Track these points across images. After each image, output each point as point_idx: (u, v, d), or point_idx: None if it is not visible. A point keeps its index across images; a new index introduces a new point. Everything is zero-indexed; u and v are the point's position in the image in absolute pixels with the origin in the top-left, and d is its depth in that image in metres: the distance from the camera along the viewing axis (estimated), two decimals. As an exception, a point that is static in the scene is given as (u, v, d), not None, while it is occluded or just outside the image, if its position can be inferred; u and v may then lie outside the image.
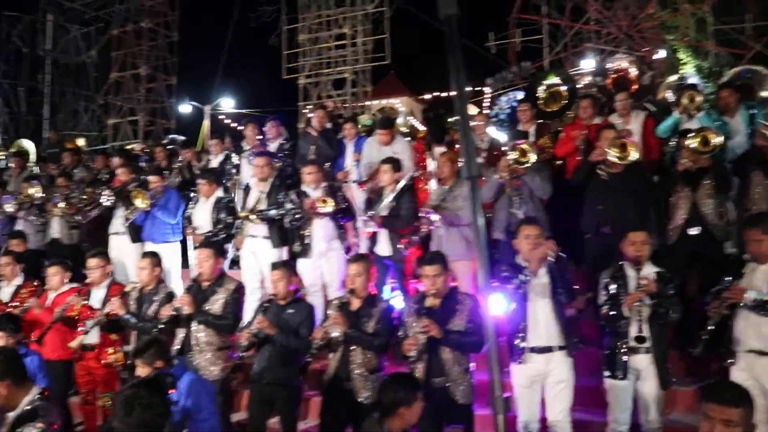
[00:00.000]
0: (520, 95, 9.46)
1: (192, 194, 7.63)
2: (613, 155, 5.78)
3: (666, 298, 4.37)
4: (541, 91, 8.09)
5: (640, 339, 4.34)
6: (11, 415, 3.48)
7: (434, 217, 6.02)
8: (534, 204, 5.99)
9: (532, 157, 5.88)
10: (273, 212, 6.58)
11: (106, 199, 7.77)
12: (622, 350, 4.45)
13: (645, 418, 4.49)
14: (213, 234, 7.01)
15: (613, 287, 4.54)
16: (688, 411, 5.13)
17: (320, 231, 6.45)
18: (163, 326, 5.25)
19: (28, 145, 11.36)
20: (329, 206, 6.34)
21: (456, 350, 4.40)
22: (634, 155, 5.77)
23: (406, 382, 3.74)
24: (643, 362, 4.43)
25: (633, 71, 8.57)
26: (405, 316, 4.61)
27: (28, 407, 3.47)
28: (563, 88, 8.16)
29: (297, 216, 6.43)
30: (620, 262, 4.69)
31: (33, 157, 11.08)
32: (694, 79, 8.53)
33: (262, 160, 6.84)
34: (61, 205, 8.01)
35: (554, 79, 8.37)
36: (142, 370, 4.34)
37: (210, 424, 4.28)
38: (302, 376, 5.00)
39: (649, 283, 4.38)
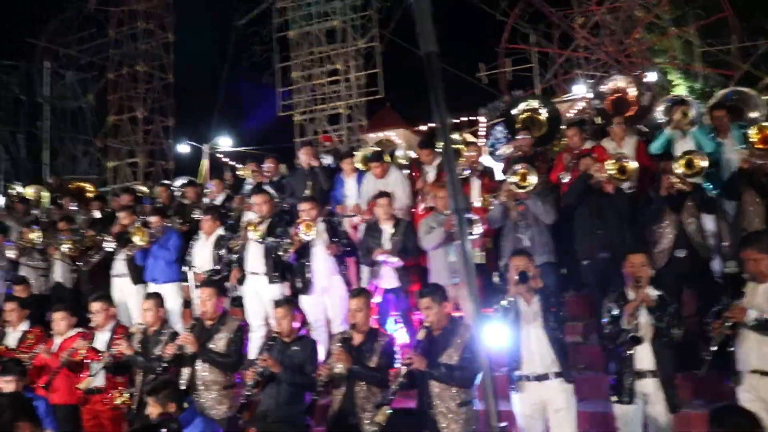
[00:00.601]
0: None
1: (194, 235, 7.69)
2: (612, 171, 5.85)
3: (667, 315, 4.38)
4: (518, 113, 8.25)
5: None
6: None
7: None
8: (539, 228, 6.02)
9: (532, 180, 5.93)
10: (270, 239, 6.59)
11: (107, 245, 7.83)
12: (627, 375, 4.45)
13: None
14: (214, 272, 7.06)
15: (615, 311, 4.53)
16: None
17: (321, 266, 6.46)
18: (166, 365, 5.29)
19: (36, 191, 11.51)
20: (311, 232, 6.29)
21: (444, 383, 4.40)
22: (629, 181, 5.87)
23: (407, 418, 3.75)
24: (650, 387, 4.43)
25: (632, 91, 8.54)
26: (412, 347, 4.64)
27: None
28: (542, 112, 8.31)
29: (286, 243, 6.43)
30: (621, 288, 4.69)
31: (47, 201, 11.24)
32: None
33: (260, 198, 6.90)
34: (64, 248, 8.06)
35: (529, 103, 8.53)
36: (152, 410, 4.37)
37: None
38: (310, 414, 5.00)
39: (647, 296, 4.40)
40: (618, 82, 8.70)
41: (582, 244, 6.05)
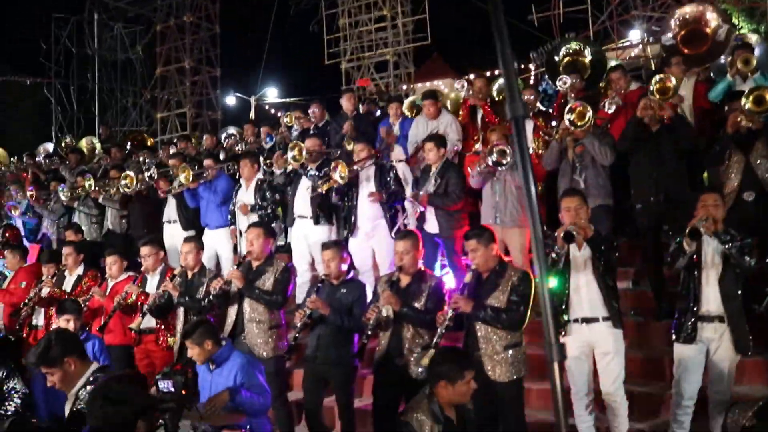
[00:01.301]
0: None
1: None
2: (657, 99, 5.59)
3: (738, 241, 4.20)
4: (560, 58, 7.93)
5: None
6: (76, 386, 3.63)
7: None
8: (596, 170, 5.87)
9: (589, 118, 5.73)
10: (311, 173, 6.61)
11: (149, 173, 7.95)
12: (690, 316, 4.34)
13: (714, 388, 4.37)
14: (259, 207, 7.14)
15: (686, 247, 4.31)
16: (757, 382, 4.99)
17: (366, 209, 6.42)
18: (212, 300, 5.36)
19: (88, 142, 11.80)
20: (345, 173, 6.23)
21: (491, 326, 4.36)
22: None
23: (452, 357, 3.74)
24: (716, 331, 4.31)
25: (711, 20, 7.62)
26: (459, 291, 4.57)
27: (91, 378, 3.64)
28: (586, 55, 7.96)
29: (319, 180, 6.43)
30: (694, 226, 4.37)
31: (99, 150, 11.51)
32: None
33: (312, 142, 6.87)
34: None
35: (571, 46, 8.16)
36: (192, 352, 4.45)
37: (262, 401, 4.34)
38: (358, 357, 5.01)
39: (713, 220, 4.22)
40: (697, 6, 7.94)
41: (637, 187, 5.84)
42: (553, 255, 4.42)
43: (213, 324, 4.74)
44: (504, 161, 5.83)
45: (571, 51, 8.40)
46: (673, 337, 4.46)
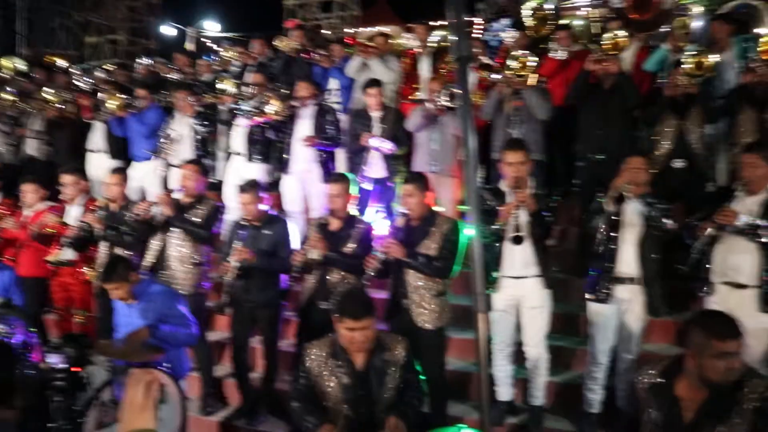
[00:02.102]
0: (508, 22, 9.21)
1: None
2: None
3: (660, 205, 4.27)
4: (527, 17, 7.82)
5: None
6: None
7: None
8: (531, 125, 5.86)
9: (532, 67, 5.71)
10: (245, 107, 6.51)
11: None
12: (605, 276, 4.41)
13: (623, 347, 4.49)
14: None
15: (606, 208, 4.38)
16: (664, 341, 5.20)
17: (300, 152, 6.30)
18: (134, 232, 5.21)
19: (10, 62, 11.03)
20: (276, 107, 6.22)
21: (421, 273, 4.35)
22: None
23: (353, 299, 3.49)
24: (629, 292, 4.39)
25: None
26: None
27: None
28: (548, 7, 7.88)
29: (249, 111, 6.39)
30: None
31: (23, 67, 10.78)
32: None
33: (259, 77, 6.79)
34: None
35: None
36: (117, 292, 4.30)
37: (186, 332, 4.26)
38: (284, 300, 4.98)
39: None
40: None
41: (581, 144, 5.87)
42: (492, 228, 4.39)
43: (127, 259, 4.60)
44: (454, 104, 5.77)
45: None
46: (587, 295, 4.53)
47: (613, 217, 4.37)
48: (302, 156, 6.32)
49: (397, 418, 3.33)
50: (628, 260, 4.38)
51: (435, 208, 4.65)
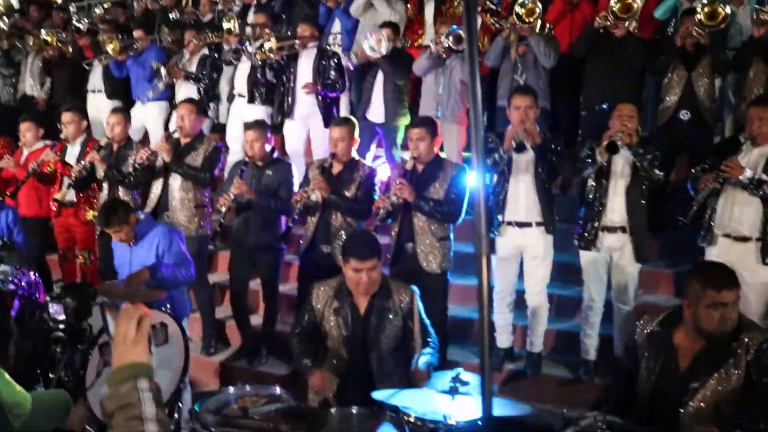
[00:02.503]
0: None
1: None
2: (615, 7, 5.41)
3: (650, 153, 4.24)
4: None
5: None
6: None
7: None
8: (537, 72, 5.75)
9: (538, 15, 5.57)
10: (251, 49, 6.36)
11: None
12: (594, 224, 4.42)
13: (617, 297, 4.53)
14: (197, 79, 6.86)
15: (599, 158, 4.34)
16: (665, 293, 5.22)
17: (303, 95, 6.19)
18: (138, 173, 5.17)
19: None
20: (271, 44, 6.07)
21: (429, 217, 4.35)
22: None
23: (360, 240, 3.51)
24: (619, 241, 4.40)
25: None
26: (391, 181, 4.52)
27: None
28: None
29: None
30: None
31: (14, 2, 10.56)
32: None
33: (261, 17, 6.64)
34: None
35: None
36: (119, 234, 4.28)
37: (185, 273, 4.27)
38: (284, 241, 4.97)
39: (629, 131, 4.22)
40: None
41: (587, 95, 5.79)
42: (495, 156, 4.39)
43: (125, 202, 4.58)
44: (459, 47, 5.66)
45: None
46: (575, 243, 4.56)
47: (603, 166, 4.36)
48: (305, 100, 6.22)
49: (422, 372, 3.27)
50: (617, 209, 4.39)
51: (441, 154, 4.62)
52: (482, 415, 1.51)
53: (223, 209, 4.79)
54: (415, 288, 3.57)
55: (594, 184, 4.45)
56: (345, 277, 3.45)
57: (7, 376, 1.40)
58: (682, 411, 2.76)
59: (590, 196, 4.46)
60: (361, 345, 3.45)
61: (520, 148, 4.31)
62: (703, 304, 2.69)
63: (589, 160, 4.41)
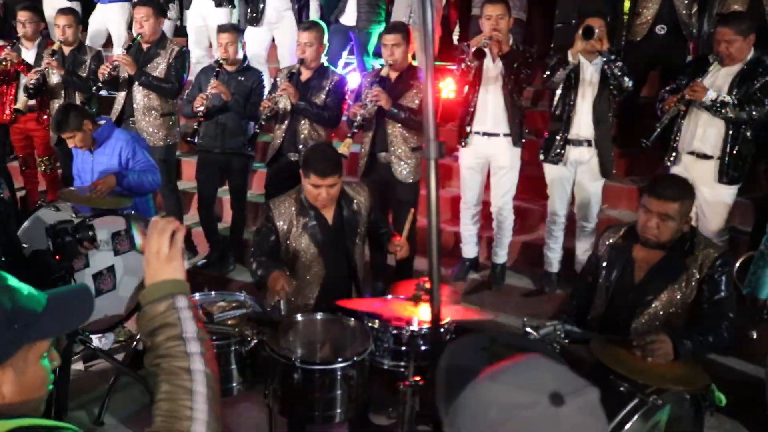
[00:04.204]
0: None
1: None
2: None
3: (619, 62, 4.20)
4: None
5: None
6: None
7: None
8: None
9: None
10: None
11: None
12: (560, 137, 4.41)
13: (582, 213, 4.58)
14: None
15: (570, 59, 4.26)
16: (625, 208, 5.30)
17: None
18: (102, 85, 5.01)
19: None
20: None
21: (404, 126, 4.32)
22: None
23: (319, 155, 3.32)
24: (585, 155, 4.42)
25: None
26: (363, 89, 4.44)
27: None
28: None
29: None
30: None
31: None
32: None
33: None
34: None
35: None
36: (74, 140, 4.14)
37: (151, 178, 4.20)
38: (251, 147, 4.91)
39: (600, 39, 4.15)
40: None
41: (561, 7, 5.64)
42: (463, 65, 4.32)
43: (79, 105, 4.42)
44: None
45: None
46: (541, 156, 4.57)
47: (573, 79, 4.32)
48: (276, 4, 5.95)
49: (401, 238, 3.32)
50: (584, 122, 4.38)
51: (414, 63, 4.54)
52: (432, 321, 1.51)
53: (201, 108, 4.64)
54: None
55: (562, 95, 4.40)
56: (303, 190, 3.32)
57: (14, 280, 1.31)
58: (633, 322, 2.85)
59: (558, 109, 4.44)
60: (337, 254, 3.39)
61: (479, 53, 4.23)
62: (641, 208, 2.81)
63: (559, 66, 4.31)
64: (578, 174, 4.49)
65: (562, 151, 4.43)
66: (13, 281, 1.30)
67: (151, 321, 1.37)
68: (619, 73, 4.19)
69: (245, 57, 4.95)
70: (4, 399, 1.25)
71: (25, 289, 1.30)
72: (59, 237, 2.92)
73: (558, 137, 4.43)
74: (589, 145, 4.40)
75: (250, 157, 5.02)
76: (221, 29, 4.83)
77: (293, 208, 3.33)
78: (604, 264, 2.99)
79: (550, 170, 4.57)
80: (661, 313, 2.82)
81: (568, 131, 4.41)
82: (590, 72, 4.32)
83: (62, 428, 1.25)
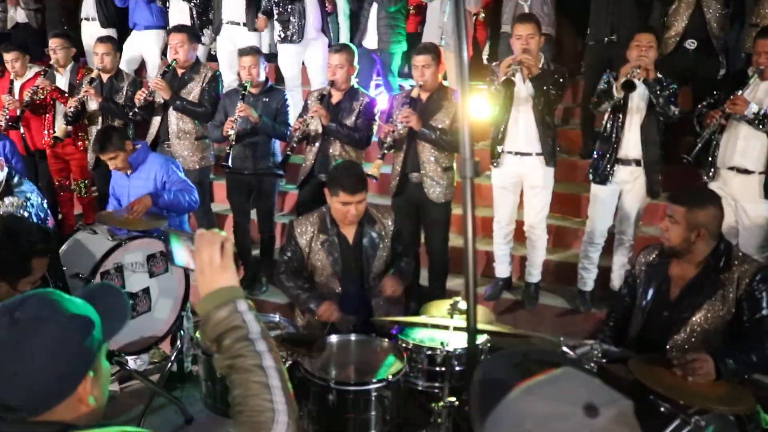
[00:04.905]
0: None
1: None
2: None
3: (667, 89, 4.15)
4: None
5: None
6: None
7: None
8: None
9: None
10: None
11: None
12: (609, 158, 4.37)
13: (620, 228, 4.53)
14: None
15: (615, 94, 4.21)
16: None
17: (311, 15, 5.95)
18: (138, 111, 5.12)
19: None
20: None
21: (434, 146, 4.32)
22: None
23: (345, 172, 3.38)
24: (632, 174, 4.36)
25: None
26: (394, 110, 4.46)
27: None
28: None
29: None
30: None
31: None
32: None
33: None
34: None
35: None
36: (115, 162, 4.25)
37: (188, 198, 4.26)
38: (282, 169, 4.95)
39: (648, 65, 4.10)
40: None
41: (593, 25, 5.60)
42: (494, 87, 4.30)
43: (119, 127, 4.52)
44: None
45: None
46: (590, 176, 4.53)
47: (621, 102, 4.28)
48: (310, 23, 5.95)
49: (392, 278, 3.39)
50: (632, 143, 4.33)
51: (444, 83, 4.54)
52: (468, 341, 1.50)
53: (231, 132, 4.69)
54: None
55: (610, 116, 4.38)
56: (328, 209, 3.41)
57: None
58: (670, 340, 2.79)
59: (606, 131, 4.41)
60: (354, 274, 3.46)
61: (507, 83, 4.17)
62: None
63: (606, 95, 4.28)
64: (624, 192, 4.44)
65: (611, 171, 4.38)
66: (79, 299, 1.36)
67: (216, 327, 1.41)
68: (664, 103, 4.13)
69: (267, 79, 4.99)
70: (98, 403, 1.32)
71: (80, 301, 1.35)
72: None
73: (607, 157, 4.39)
74: (638, 164, 4.34)
75: (279, 176, 5.06)
76: (242, 53, 4.88)
77: (315, 226, 3.44)
78: (641, 283, 2.96)
79: (596, 190, 4.51)
80: (698, 330, 2.77)
81: (617, 151, 4.36)
82: (637, 97, 4.26)
83: None
